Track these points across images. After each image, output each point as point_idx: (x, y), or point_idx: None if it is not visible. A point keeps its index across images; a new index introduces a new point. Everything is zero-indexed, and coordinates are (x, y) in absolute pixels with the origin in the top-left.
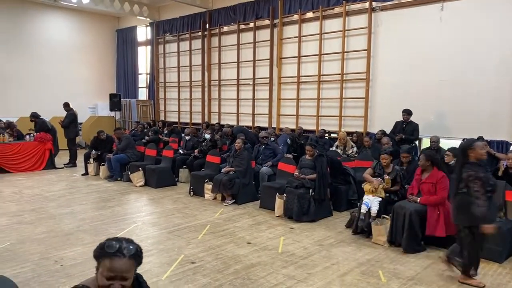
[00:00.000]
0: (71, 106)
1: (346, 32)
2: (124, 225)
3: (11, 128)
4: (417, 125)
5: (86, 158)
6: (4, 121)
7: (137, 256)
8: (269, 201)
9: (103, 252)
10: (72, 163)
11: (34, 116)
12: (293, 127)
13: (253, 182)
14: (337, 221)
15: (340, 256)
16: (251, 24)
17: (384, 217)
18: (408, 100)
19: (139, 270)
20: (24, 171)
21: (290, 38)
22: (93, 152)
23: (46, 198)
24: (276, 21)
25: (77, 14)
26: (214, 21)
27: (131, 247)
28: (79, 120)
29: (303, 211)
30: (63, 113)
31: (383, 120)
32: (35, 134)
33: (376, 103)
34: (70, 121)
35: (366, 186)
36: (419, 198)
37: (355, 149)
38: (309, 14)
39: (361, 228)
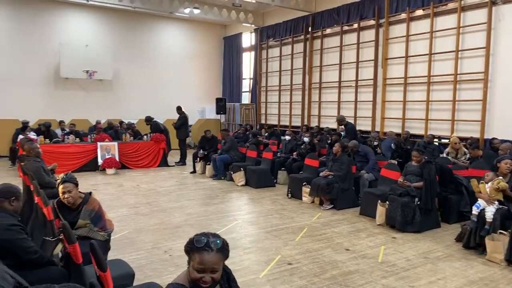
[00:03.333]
0: (183, 110)
1: (460, 29)
2: (226, 222)
3: (132, 129)
4: None
5: (194, 157)
6: (126, 122)
7: (223, 249)
8: (370, 208)
9: (193, 247)
10: (182, 161)
11: (148, 119)
12: (399, 131)
13: (353, 188)
14: (446, 233)
15: (447, 271)
16: (355, 25)
17: (501, 233)
18: None
19: (239, 266)
20: (141, 167)
21: (396, 37)
22: (201, 151)
23: (159, 193)
24: (381, 20)
25: (188, 24)
26: (317, 24)
27: (218, 241)
28: (189, 122)
29: (407, 221)
30: (176, 116)
31: (504, 125)
32: (151, 134)
33: (495, 106)
34: (182, 123)
35: (473, 182)
36: None
37: (468, 156)
38: (419, 12)
39: (470, 232)
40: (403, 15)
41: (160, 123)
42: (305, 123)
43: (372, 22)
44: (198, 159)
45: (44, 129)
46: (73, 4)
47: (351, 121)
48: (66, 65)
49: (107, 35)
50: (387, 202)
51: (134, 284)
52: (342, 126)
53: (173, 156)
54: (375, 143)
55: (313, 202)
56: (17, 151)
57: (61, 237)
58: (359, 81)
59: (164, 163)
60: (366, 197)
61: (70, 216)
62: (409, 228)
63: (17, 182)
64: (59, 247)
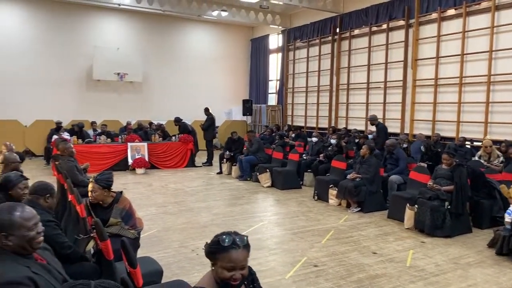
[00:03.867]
0: (210, 111)
1: (494, 28)
2: (252, 223)
3: (161, 130)
4: None
5: (221, 158)
6: (155, 123)
7: (248, 245)
8: (398, 212)
9: (220, 247)
10: (209, 162)
11: (177, 120)
12: (429, 133)
13: (381, 191)
14: (477, 239)
15: (478, 278)
16: (384, 26)
17: None
18: None
19: (264, 267)
20: (169, 167)
21: (427, 38)
22: (227, 153)
23: (187, 193)
24: (411, 21)
25: (216, 27)
26: (345, 25)
27: (244, 238)
28: (216, 123)
29: (436, 225)
30: (203, 117)
31: None
32: (179, 135)
33: None
34: (209, 125)
35: (503, 188)
36: None
37: (501, 159)
38: (450, 11)
39: (504, 238)
40: (434, 15)
41: (188, 124)
42: (332, 124)
43: (401, 22)
44: (225, 160)
45: (77, 130)
46: (106, 8)
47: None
48: (98, 68)
49: (138, 38)
50: (416, 206)
51: (162, 281)
52: (371, 128)
53: (200, 157)
54: (404, 145)
55: (339, 204)
56: (51, 151)
57: (93, 234)
58: (388, 83)
59: (191, 164)
60: (394, 200)
61: (102, 214)
62: (438, 232)
63: (52, 180)
64: (91, 243)
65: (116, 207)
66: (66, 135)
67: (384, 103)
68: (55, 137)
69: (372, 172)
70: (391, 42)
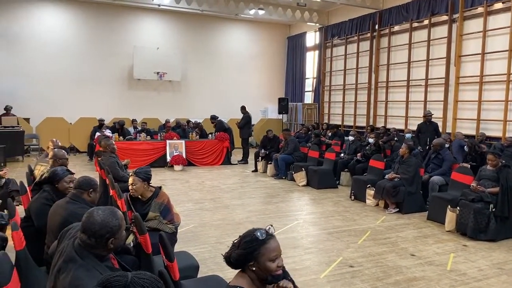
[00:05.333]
0: (246, 109)
1: None
2: (287, 221)
3: (199, 128)
4: None
5: (256, 156)
6: (193, 121)
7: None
8: (438, 214)
9: (259, 242)
10: (244, 160)
11: (213, 118)
12: (473, 132)
13: (421, 191)
14: None
15: None
16: (425, 21)
17: None
18: None
19: (299, 265)
20: (206, 165)
21: (472, 33)
22: (262, 151)
23: (222, 190)
24: (455, 16)
25: (252, 25)
26: (384, 21)
27: (271, 228)
28: (252, 122)
29: (480, 228)
30: (239, 115)
31: None
32: (216, 133)
33: None
34: (245, 123)
35: None
36: None
37: None
38: (497, 5)
39: None
40: (480, 9)
41: (224, 122)
42: (371, 123)
43: (444, 17)
44: (260, 158)
45: (119, 127)
46: (146, 9)
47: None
48: (138, 67)
49: (176, 38)
50: (458, 208)
51: (198, 276)
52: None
53: (236, 155)
54: (446, 145)
55: (377, 205)
56: (94, 147)
57: (133, 229)
58: (429, 80)
59: (227, 161)
60: (435, 202)
61: (141, 208)
62: (482, 236)
63: (94, 175)
64: (131, 237)
65: (155, 202)
66: (108, 132)
67: (425, 101)
68: (98, 134)
69: (412, 172)
70: (433, 38)
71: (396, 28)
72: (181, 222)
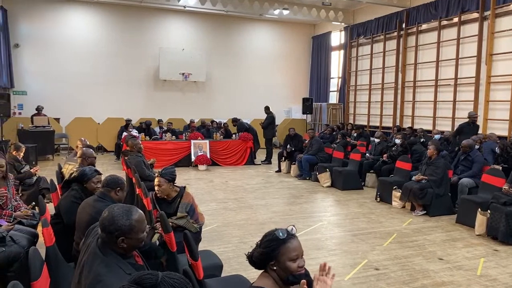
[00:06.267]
0: (270, 110)
1: None
2: (311, 222)
3: (224, 128)
4: None
5: (280, 156)
6: (217, 121)
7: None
8: (468, 217)
9: (279, 241)
10: (268, 160)
11: (234, 121)
12: (505, 133)
13: (449, 194)
14: None
15: None
16: (455, 19)
17: None
18: None
19: None
20: (230, 165)
21: (504, 31)
22: (288, 146)
23: (246, 190)
24: (486, 13)
25: (277, 25)
26: (412, 20)
27: (293, 228)
28: (276, 122)
29: None
30: (263, 115)
31: None
32: (239, 134)
33: None
34: (269, 123)
35: None
36: None
37: None
38: None
39: None
40: None
41: (245, 122)
42: (397, 123)
43: (475, 15)
44: (283, 158)
45: (145, 127)
46: (172, 10)
47: (449, 123)
48: (164, 68)
49: (201, 38)
50: (489, 211)
51: (222, 275)
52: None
53: (259, 155)
54: (476, 146)
55: (403, 207)
56: (121, 147)
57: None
58: (458, 79)
59: (250, 162)
60: (464, 205)
61: (167, 207)
62: None
63: (121, 174)
64: (156, 236)
65: (182, 202)
66: (134, 132)
67: (454, 101)
68: (125, 134)
69: (440, 174)
70: (462, 36)
71: (424, 26)
72: (205, 221)
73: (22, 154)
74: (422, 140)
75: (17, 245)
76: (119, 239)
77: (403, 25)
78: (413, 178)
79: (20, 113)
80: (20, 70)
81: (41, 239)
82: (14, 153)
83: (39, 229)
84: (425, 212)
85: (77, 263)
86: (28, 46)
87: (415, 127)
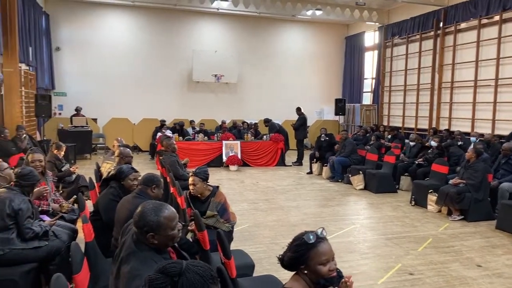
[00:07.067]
0: (302, 111)
1: None
2: (343, 225)
3: (254, 129)
4: None
5: (311, 158)
6: (248, 122)
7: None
8: (508, 223)
9: (309, 245)
10: (299, 162)
11: (266, 121)
12: None
13: (489, 199)
14: None
15: None
16: (496, 17)
17: None
18: None
19: (356, 270)
20: (260, 166)
21: None
22: (323, 135)
23: (277, 191)
24: None
25: (309, 26)
26: (450, 19)
27: (323, 232)
28: (307, 123)
29: None
30: (294, 116)
31: None
32: (270, 134)
33: None
34: (301, 124)
35: None
36: None
37: None
38: None
39: None
40: None
41: (276, 123)
42: (433, 125)
43: None
44: (315, 160)
45: (178, 128)
46: (205, 13)
47: (488, 125)
48: (197, 70)
49: (234, 40)
50: None
51: (254, 275)
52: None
53: (290, 156)
54: None
55: (439, 211)
56: (156, 147)
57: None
58: (499, 80)
59: (281, 163)
60: (505, 210)
61: (200, 206)
62: None
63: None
64: (190, 234)
65: (213, 201)
66: (168, 133)
67: (495, 102)
68: (159, 134)
69: (479, 178)
70: (504, 35)
71: (463, 25)
72: (236, 221)
73: (63, 153)
74: (459, 143)
75: (59, 240)
76: (148, 234)
77: (441, 24)
78: (450, 181)
79: (60, 114)
80: (61, 72)
81: (80, 234)
82: (55, 152)
83: (79, 225)
84: (463, 217)
85: (115, 258)
86: (68, 49)
87: (452, 129)
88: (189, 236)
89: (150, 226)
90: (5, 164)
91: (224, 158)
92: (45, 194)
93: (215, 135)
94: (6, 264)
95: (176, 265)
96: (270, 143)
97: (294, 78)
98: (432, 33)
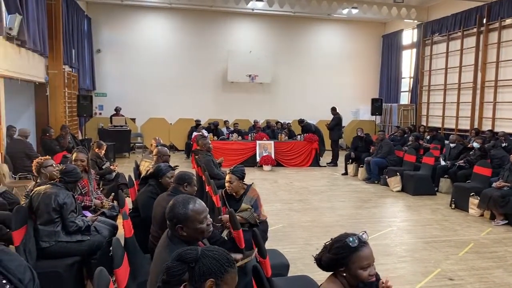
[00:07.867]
0: (337, 111)
1: None
2: (379, 228)
3: (288, 129)
4: None
5: (347, 159)
6: (282, 122)
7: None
8: None
9: (351, 249)
10: (333, 162)
11: (301, 122)
12: None
13: None
14: None
15: None
16: None
17: None
18: None
19: (392, 274)
20: (294, 166)
21: None
22: (360, 131)
23: (311, 192)
24: None
25: (345, 24)
26: (494, 15)
27: (364, 236)
28: (343, 123)
29: None
30: (329, 117)
31: None
32: (304, 135)
33: None
34: (336, 124)
35: None
36: None
37: None
38: None
39: None
40: None
41: (311, 124)
42: (475, 126)
43: None
44: (350, 160)
45: (213, 128)
46: (240, 13)
47: None
48: (232, 70)
49: (268, 40)
50: None
51: (288, 275)
52: None
53: (325, 157)
54: None
55: (482, 215)
56: (191, 146)
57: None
58: None
59: (315, 163)
60: None
61: (235, 205)
62: None
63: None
64: (225, 232)
65: (247, 195)
66: (204, 132)
67: None
68: (195, 134)
69: None
70: None
71: (508, 21)
72: (269, 220)
73: (103, 151)
74: (504, 144)
75: (100, 235)
76: (177, 226)
77: (484, 21)
78: (494, 184)
79: (100, 114)
80: (101, 73)
81: (120, 230)
82: (96, 150)
83: (119, 221)
84: (507, 221)
85: (155, 254)
86: (108, 51)
87: (496, 130)
88: (224, 234)
89: (178, 218)
90: (51, 161)
91: (258, 158)
92: (86, 188)
93: (249, 135)
94: (51, 257)
95: (192, 251)
96: (304, 143)
97: (329, 77)
98: (474, 30)
